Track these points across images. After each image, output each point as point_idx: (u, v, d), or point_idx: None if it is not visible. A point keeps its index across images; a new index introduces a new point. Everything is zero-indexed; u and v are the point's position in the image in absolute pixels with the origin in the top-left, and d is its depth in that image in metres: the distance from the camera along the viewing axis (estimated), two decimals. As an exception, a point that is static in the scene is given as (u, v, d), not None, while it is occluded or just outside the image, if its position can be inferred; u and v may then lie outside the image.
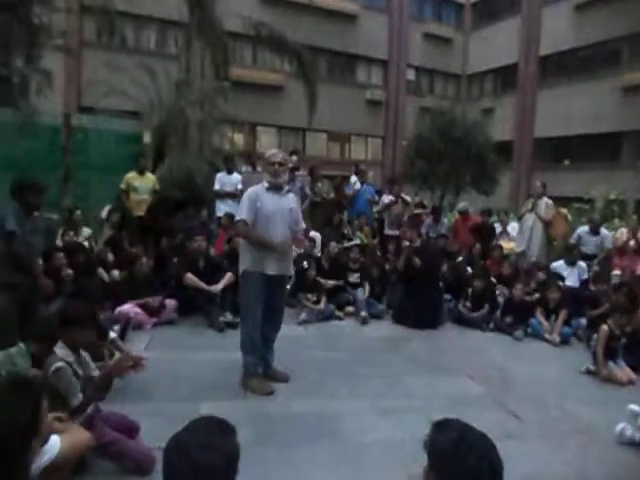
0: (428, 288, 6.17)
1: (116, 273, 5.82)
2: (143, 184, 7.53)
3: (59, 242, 6.11)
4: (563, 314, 5.72)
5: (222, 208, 7.78)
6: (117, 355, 3.72)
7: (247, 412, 3.41)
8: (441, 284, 6.59)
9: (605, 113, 19.38)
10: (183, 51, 11.66)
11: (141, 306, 5.27)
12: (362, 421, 3.44)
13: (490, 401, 3.94)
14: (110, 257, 6.10)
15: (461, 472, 1.24)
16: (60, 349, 2.58)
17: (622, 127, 19.18)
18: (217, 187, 7.99)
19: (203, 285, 5.60)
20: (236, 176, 8.06)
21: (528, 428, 3.48)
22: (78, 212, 6.76)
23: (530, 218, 7.72)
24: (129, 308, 5.11)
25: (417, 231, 7.67)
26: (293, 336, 5.13)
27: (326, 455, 2.97)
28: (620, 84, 19.11)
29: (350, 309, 6.26)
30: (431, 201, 13.53)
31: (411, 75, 25.21)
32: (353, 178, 9.22)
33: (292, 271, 4.33)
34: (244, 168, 8.86)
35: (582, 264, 6.97)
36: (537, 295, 6.28)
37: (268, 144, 19.19)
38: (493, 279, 6.89)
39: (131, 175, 7.53)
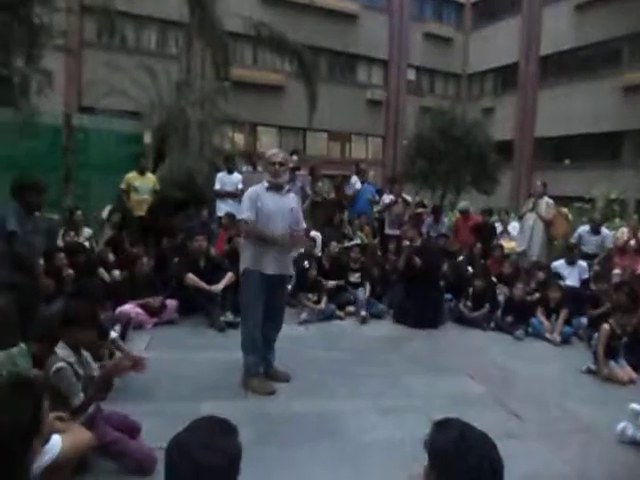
0: (429, 288, 6.17)
1: (117, 273, 5.84)
2: (144, 184, 7.54)
3: (60, 242, 6.11)
4: (564, 313, 5.72)
5: (223, 208, 7.78)
6: (117, 355, 3.72)
7: (248, 412, 3.41)
8: (442, 284, 6.60)
9: (606, 113, 19.36)
10: (184, 51, 11.65)
11: (142, 306, 5.28)
12: (363, 421, 3.44)
13: (491, 400, 3.94)
14: (111, 257, 6.11)
15: (462, 472, 1.24)
16: (61, 349, 2.58)
17: (623, 127, 19.17)
18: (218, 187, 7.99)
19: (204, 285, 5.61)
20: (237, 176, 8.06)
21: (529, 427, 3.48)
22: (79, 212, 6.76)
23: (531, 218, 7.71)
24: (130, 308, 5.11)
25: (418, 230, 7.67)
26: (294, 336, 5.13)
27: (327, 455, 2.97)
28: (621, 84, 19.09)
29: (351, 309, 6.26)
30: (432, 200, 13.51)
31: (411, 75, 25.18)
32: (354, 178, 9.21)
33: (292, 271, 4.33)
34: (245, 168, 8.86)
35: (583, 263, 6.97)
36: (538, 295, 6.28)
37: (269, 144, 19.18)
38: (494, 278, 6.88)
39: (132, 175, 7.54)
